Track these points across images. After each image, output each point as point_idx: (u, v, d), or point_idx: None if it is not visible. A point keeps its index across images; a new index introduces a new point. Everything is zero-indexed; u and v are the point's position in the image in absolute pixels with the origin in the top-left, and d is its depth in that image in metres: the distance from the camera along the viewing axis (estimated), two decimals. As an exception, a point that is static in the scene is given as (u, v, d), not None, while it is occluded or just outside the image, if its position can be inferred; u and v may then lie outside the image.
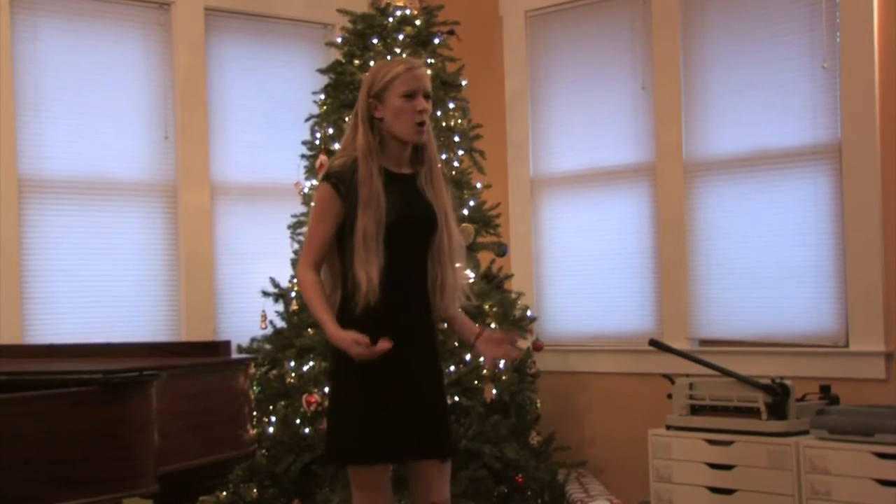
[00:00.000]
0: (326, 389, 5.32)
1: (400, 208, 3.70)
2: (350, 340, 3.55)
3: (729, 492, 5.07)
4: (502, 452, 5.42)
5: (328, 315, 3.65)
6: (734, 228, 5.80)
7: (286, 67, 6.65)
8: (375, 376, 3.66)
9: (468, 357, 5.44)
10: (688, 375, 5.36)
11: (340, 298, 3.75)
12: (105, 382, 3.16)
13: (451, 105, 5.82)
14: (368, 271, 3.61)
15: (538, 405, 5.86)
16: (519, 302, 5.90)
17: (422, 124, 3.73)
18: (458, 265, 3.86)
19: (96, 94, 5.99)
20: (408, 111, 3.71)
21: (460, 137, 5.81)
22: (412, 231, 3.75)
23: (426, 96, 3.75)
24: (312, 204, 3.86)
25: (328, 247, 3.73)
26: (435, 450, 3.80)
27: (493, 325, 5.68)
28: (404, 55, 5.71)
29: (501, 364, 5.53)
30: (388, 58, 5.71)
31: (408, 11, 5.89)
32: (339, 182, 3.70)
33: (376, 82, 3.75)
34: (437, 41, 5.92)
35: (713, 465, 5.13)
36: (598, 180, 6.35)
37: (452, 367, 5.40)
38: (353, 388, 3.69)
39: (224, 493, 5.49)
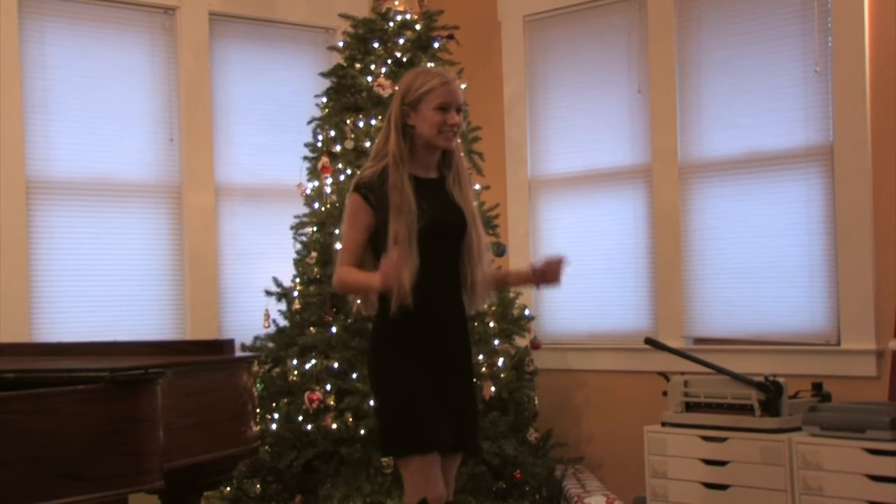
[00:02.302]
0: (328, 387, 5.41)
1: (431, 212, 3.79)
2: (381, 277, 3.61)
3: (723, 487, 5.08)
4: (501, 449, 5.46)
5: (365, 274, 3.75)
6: (728, 229, 5.81)
7: (289, 71, 6.67)
8: (419, 375, 3.78)
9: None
10: (683, 373, 5.38)
11: (379, 301, 3.83)
12: (112, 380, 3.17)
13: (451, 108, 5.87)
14: (401, 275, 3.69)
15: (536, 402, 5.89)
16: (517, 301, 5.93)
17: (452, 134, 3.84)
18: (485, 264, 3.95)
19: (103, 97, 6.01)
20: (440, 123, 3.80)
21: (460, 139, 5.81)
22: (444, 234, 3.84)
23: (458, 109, 3.85)
24: (344, 213, 3.95)
25: (362, 252, 3.83)
26: (464, 445, 3.91)
27: (492, 324, 5.75)
28: (405, 59, 5.76)
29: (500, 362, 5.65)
30: (390, 61, 5.79)
31: (408, 16, 5.93)
32: (369, 192, 3.80)
33: (411, 91, 3.83)
34: (436, 45, 5.95)
35: (708, 461, 5.14)
36: (594, 182, 6.36)
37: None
38: (400, 388, 3.78)
39: (228, 488, 5.53)
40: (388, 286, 3.65)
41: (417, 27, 5.94)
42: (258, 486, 5.56)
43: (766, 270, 5.69)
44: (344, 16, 6.04)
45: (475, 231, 3.90)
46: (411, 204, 3.75)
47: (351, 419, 5.34)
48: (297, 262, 5.84)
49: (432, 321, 3.82)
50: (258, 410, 4.51)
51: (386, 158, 3.83)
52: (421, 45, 5.92)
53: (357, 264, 3.83)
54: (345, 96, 5.91)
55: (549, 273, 3.92)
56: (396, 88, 3.94)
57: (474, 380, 4.05)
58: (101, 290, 5.96)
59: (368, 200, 3.79)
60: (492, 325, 5.71)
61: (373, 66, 5.83)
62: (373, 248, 3.84)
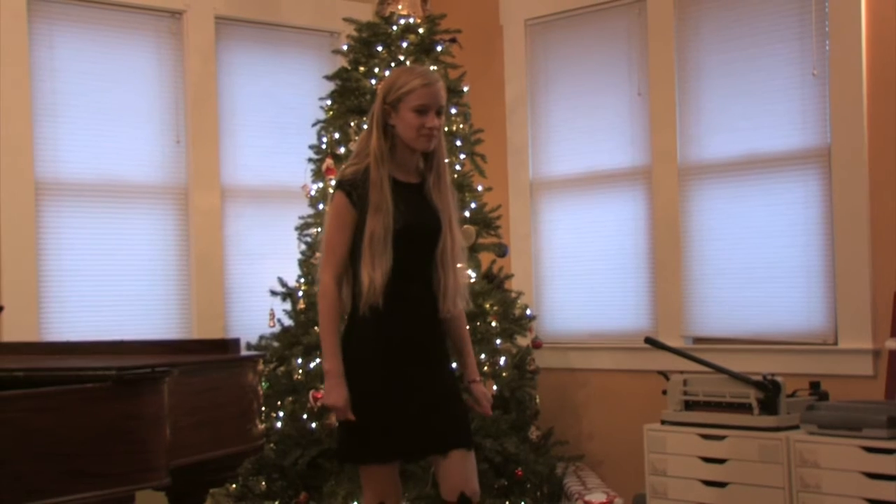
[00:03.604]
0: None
1: (408, 216, 3.76)
2: (340, 399, 3.71)
3: (722, 485, 5.09)
4: (503, 446, 5.47)
5: (336, 351, 3.75)
6: (727, 230, 5.83)
7: (294, 74, 6.70)
8: (382, 378, 3.74)
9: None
10: (682, 372, 5.39)
11: (352, 297, 3.82)
12: (118, 379, 3.17)
13: (454, 110, 5.86)
14: (372, 274, 3.68)
15: (537, 401, 5.90)
16: (519, 301, 5.95)
17: (430, 137, 3.80)
18: (459, 267, 3.91)
19: (110, 99, 6.04)
20: (418, 126, 3.77)
21: (462, 142, 5.86)
22: (418, 237, 3.81)
23: (438, 112, 3.80)
24: (326, 209, 3.91)
25: (348, 254, 3.79)
26: (444, 444, 3.83)
27: (493, 324, 5.78)
28: (408, 63, 5.77)
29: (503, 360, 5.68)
30: (394, 64, 5.78)
31: (411, 20, 5.94)
32: (352, 189, 3.76)
33: (392, 91, 3.80)
34: (439, 49, 5.96)
35: (706, 459, 5.15)
36: (595, 183, 6.38)
37: (454, 364, 5.47)
38: (361, 390, 3.74)
39: (234, 485, 5.57)
40: (331, 405, 3.76)
41: (420, 31, 5.95)
42: (263, 483, 5.58)
43: (764, 271, 5.71)
44: (348, 20, 6.06)
45: (450, 234, 3.86)
46: (388, 203, 3.73)
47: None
48: (302, 263, 5.86)
49: (404, 323, 3.78)
50: (263, 409, 4.52)
51: (368, 157, 3.81)
52: (424, 49, 5.93)
53: (344, 270, 3.80)
54: (349, 99, 5.92)
55: (476, 403, 4.03)
56: (380, 87, 3.93)
57: (455, 382, 3.98)
58: (109, 289, 5.99)
59: (351, 198, 3.77)
60: (493, 324, 5.72)
61: (376, 70, 5.84)
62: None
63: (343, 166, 3.93)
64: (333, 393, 3.73)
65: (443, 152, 3.92)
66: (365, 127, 5.56)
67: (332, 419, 5.33)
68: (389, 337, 3.77)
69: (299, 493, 5.52)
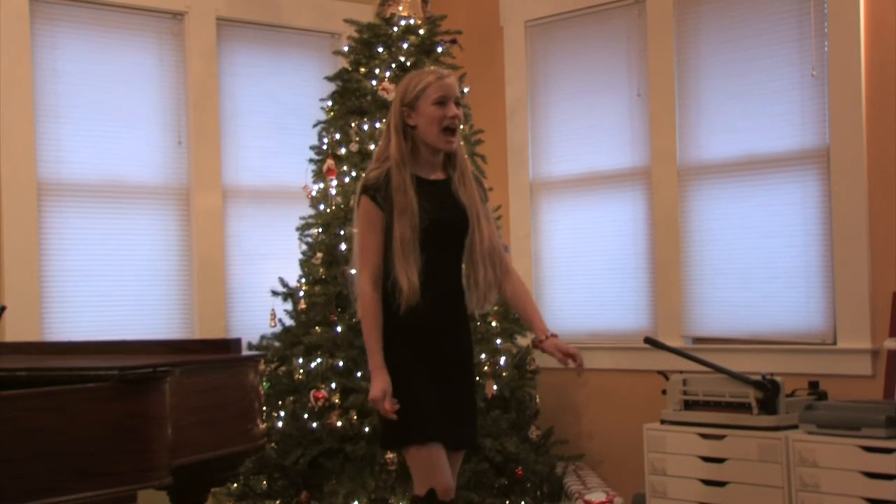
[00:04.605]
0: (333, 385, 5.47)
1: (433, 213, 3.82)
2: (378, 390, 3.77)
3: (721, 484, 5.11)
4: (503, 446, 5.50)
5: (378, 349, 3.82)
6: (726, 230, 5.83)
7: (295, 75, 6.72)
8: (419, 376, 3.82)
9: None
10: (682, 372, 5.41)
11: (382, 299, 3.86)
12: (120, 378, 3.18)
13: (454, 111, 5.91)
14: (409, 275, 3.75)
15: (537, 400, 5.93)
16: (519, 301, 6.00)
17: (453, 131, 3.87)
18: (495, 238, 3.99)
19: (113, 100, 6.06)
20: (440, 117, 3.84)
21: (463, 142, 5.86)
22: (446, 234, 3.88)
23: (457, 103, 3.89)
24: (355, 216, 3.99)
25: (382, 255, 3.84)
26: (463, 444, 3.96)
27: (494, 324, 5.80)
28: (409, 64, 5.80)
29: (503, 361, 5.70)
30: (394, 65, 5.81)
31: (412, 21, 5.96)
32: (376, 192, 3.83)
33: (409, 92, 3.88)
34: (440, 50, 5.98)
35: (706, 459, 5.17)
36: (595, 184, 6.38)
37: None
38: (399, 388, 3.80)
39: (235, 485, 5.60)
40: (372, 399, 3.81)
41: (421, 32, 5.97)
42: (264, 482, 5.60)
43: (763, 271, 5.71)
44: (349, 21, 6.08)
45: (478, 230, 3.92)
46: (413, 205, 3.79)
47: (355, 417, 5.39)
48: (303, 263, 5.89)
49: (433, 321, 3.85)
50: (265, 408, 4.55)
51: (388, 161, 3.87)
52: (424, 50, 5.95)
53: (380, 272, 3.84)
54: (350, 100, 5.95)
55: (562, 352, 3.97)
56: (394, 94, 3.99)
57: (475, 379, 4.09)
58: (111, 289, 6.00)
59: (376, 200, 3.83)
60: (494, 324, 5.75)
61: (377, 71, 5.87)
62: None
63: (367, 170, 3.98)
64: (375, 386, 3.81)
65: (462, 150, 4.01)
66: (365, 127, 5.69)
67: (333, 419, 5.37)
68: (422, 335, 3.84)
69: (300, 492, 5.54)
